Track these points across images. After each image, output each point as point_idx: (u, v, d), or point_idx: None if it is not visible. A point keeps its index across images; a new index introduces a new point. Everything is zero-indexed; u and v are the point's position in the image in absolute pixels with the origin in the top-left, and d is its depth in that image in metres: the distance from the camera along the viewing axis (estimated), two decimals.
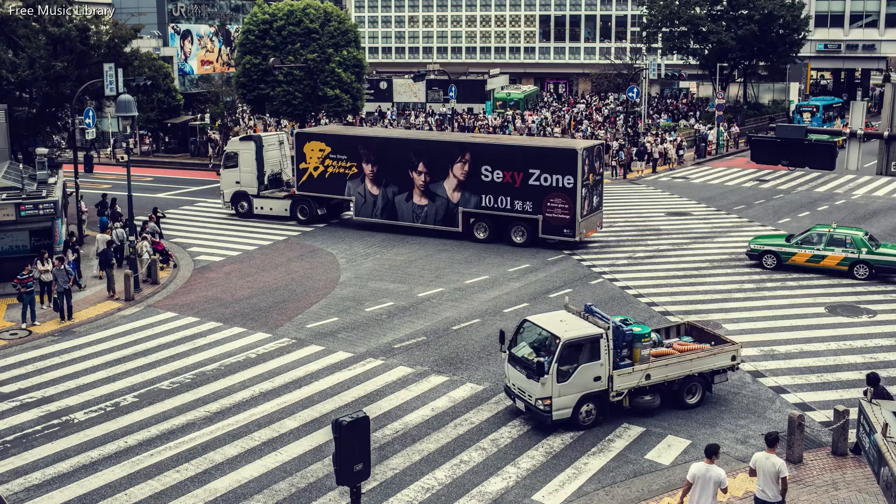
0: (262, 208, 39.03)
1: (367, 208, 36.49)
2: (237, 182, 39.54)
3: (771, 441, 13.82)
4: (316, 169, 37.32)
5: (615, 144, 54.46)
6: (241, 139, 41.01)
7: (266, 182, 39.71)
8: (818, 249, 29.68)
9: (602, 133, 59.22)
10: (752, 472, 13.87)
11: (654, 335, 19.07)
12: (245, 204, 39.46)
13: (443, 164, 34.71)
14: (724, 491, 13.55)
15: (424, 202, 35.19)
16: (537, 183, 32.99)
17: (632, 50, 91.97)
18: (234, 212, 39.69)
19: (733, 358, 19.35)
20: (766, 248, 30.70)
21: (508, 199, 33.62)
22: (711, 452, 13.53)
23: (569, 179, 32.42)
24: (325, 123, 60.67)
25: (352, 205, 37.13)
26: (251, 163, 39.28)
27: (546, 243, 33.51)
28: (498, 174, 33.64)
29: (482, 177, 33.92)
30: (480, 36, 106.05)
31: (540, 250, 33.01)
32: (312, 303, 26.96)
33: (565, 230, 32.87)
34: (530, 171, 33.10)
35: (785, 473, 13.58)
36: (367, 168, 36.12)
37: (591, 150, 33.47)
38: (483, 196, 34.05)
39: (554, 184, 32.72)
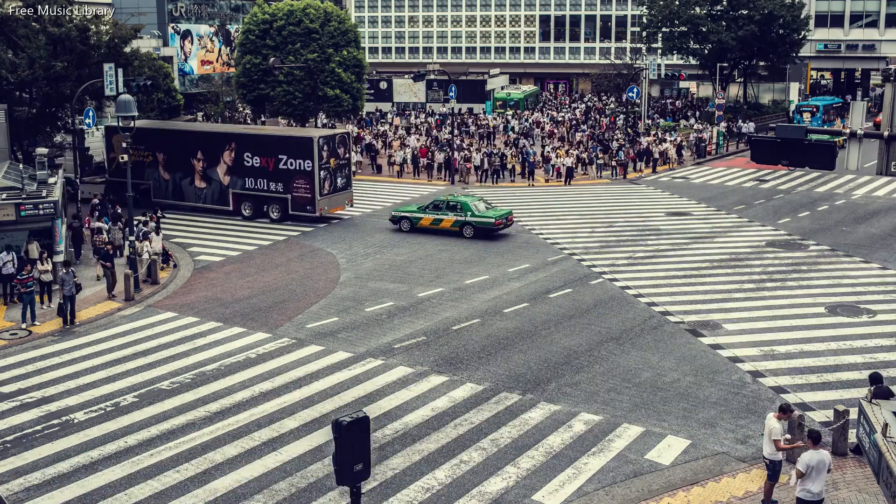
0: (83, 192, 41.48)
1: (161, 191, 41.07)
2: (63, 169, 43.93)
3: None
4: (122, 158, 40.14)
5: (615, 144, 54.51)
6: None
7: (89, 169, 43.92)
8: (438, 214, 35.24)
9: (620, 136, 59.13)
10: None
11: None
12: (70, 189, 42.20)
13: (215, 152, 39.63)
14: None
15: (203, 185, 40.15)
16: (286, 167, 37.88)
17: (632, 50, 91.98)
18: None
19: None
20: (402, 214, 36.26)
21: (265, 181, 38.55)
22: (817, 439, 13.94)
23: (308, 163, 37.33)
24: (331, 124, 60.68)
25: (151, 188, 41.30)
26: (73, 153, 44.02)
27: (295, 218, 38.26)
28: (256, 160, 38.58)
29: (245, 162, 38.83)
30: (480, 36, 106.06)
31: (540, 250, 33.03)
32: (312, 303, 26.96)
33: (308, 207, 37.74)
34: (279, 156, 38.02)
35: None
36: (160, 157, 41.01)
37: (332, 138, 38.57)
38: (247, 179, 38.98)
39: (297, 167, 37.62)
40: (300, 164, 37.51)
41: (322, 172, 37.45)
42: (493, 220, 34.41)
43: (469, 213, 34.70)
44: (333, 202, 38.47)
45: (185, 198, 40.50)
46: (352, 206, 40.04)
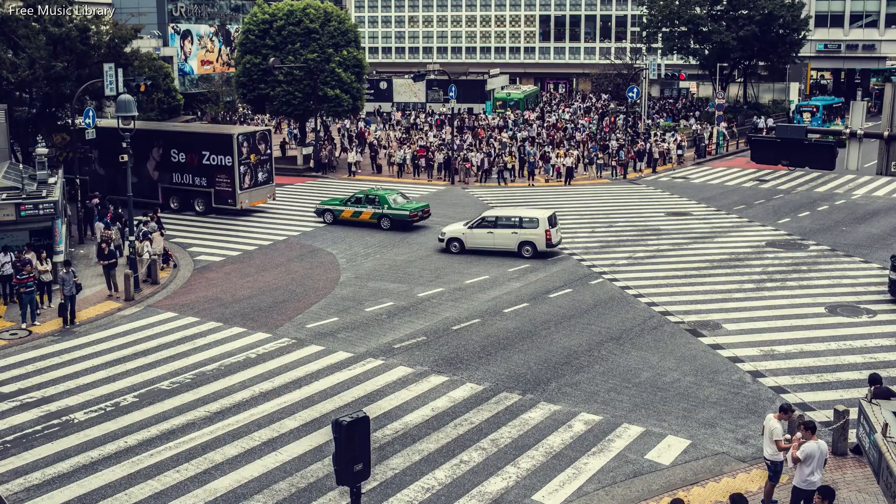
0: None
1: (97, 185, 41.23)
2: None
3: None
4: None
5: (614, 144, 54.48)
6: None
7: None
8: (358, 207, 37.26)
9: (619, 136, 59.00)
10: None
11: None
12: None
13: (146, 148, 40.99)
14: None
15: (135, 179, 39.55)
16: (209, 162, 39.85)
17: (632, 50, 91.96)
18: None
19: None
20: (326, 207, 38.33)
21: (191, 175, 40.51)
22: (810, 428, 14.09)
23: (228, 159, 39.33)
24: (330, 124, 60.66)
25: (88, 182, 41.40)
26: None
27: (218, 211, 40.22)
28: (182, 156, 40.51)
29: (172, 158, 40.75)
30: (480, 36, 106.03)
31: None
32: (312, 303, 26.96)
33: (229, 200, 39.76)
34: (203, 152, 40.01)
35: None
36: (95, 153, 42.01)
37: (252, 135, 40.78)
38: (174, 174, 40.90)
39: (219, 163, 39.58)
40: (221, 159, 39.44)
41: (242, 168, 39.45)
42: (408, 213, 36.30)
43: (386, 206, 36.63)
44: (254, 196, 40.66)
45: (118, 191, 40.55)
46: (274, 199, 41.97)
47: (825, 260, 31.45)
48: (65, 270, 25.57)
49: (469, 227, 32.70)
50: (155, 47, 64.73)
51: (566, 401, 19.46)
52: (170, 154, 40.56)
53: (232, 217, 40.05)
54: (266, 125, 65.03)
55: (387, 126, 68.92)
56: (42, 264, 26.71)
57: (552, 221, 32.05)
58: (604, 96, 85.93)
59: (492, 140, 57.93)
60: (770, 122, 64.71)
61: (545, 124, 68.55)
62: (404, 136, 62.35)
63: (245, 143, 39.67)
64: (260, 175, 40.77)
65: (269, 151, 41.42)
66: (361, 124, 66.92)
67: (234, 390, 20.25)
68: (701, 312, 25.46)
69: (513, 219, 32.49)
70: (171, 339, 23.91)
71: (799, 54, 73.97)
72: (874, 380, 16.78)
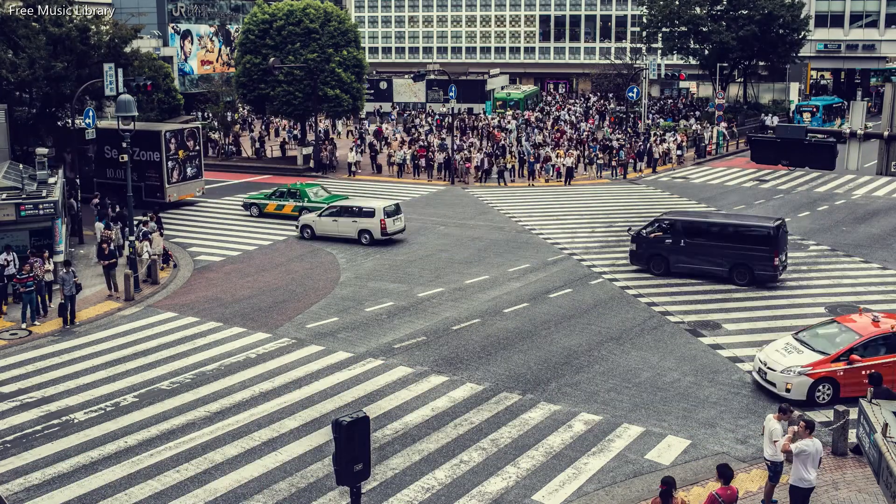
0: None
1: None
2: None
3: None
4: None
5: (614, 144, 54.46)
6: None
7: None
8: (281, 201, 39.11)
9: (619, 135, 58.94)
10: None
11: None
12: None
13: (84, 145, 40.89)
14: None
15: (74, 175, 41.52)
16: (138, 158, 40.94)
17: (632, 50, 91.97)
18: None
19: None
20: (252, 201, 40.34)
21: (122, 171, 39.30)
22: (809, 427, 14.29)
23: (156, 155, 41.17)
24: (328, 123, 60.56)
25: None
26: None
27: (147, 205, 39.98)
28: (115, 152, 40.71)
29: (105, 154, 42.10)
30: (480, 36, 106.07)
31: (540, 250, 33.01)
32: (312, 303, 26.96)
33: (158, 194, 41.40)
34: (133, 148, 39.17)
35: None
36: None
37: (180, 132, 42.64)
38: (108, 169, 42.37)
39: (148, 159, 41.33)
40: (150, 155, 41.17)
41: (170, 163, 41.29)
42: (326, 206, 37.01)
43: (306, 199, 38.51)
44: (183, 190, 42.56)
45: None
46: (202, 194, 43.98)
47: (825, 260, 31.45)
48: (65, 270, 25.56)
49: (319, 216, 35.22)
50: (155, 47, 64.73)
51: (566, 401, 19.46)
52: (103, 150, 41.55)
53: (232, 217, 40.06)
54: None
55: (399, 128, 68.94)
56: (46, 264, 26.72)
57: (390, 212, 34.16)
58: (610, 96, 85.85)
59: (499, 141, 57.87)
60: (776, 120, 64.80)
61: (546, 125, 68.55)
62: (413, 135, 62.12)
63: (173, 140, 41.43)
64: (189, 170, 42.68)
65: (197, 147, 43.26)
66: (377, 124, 66.86)
67: (234, 390, 20.26)
68: (701, 312, 25.46)
69: (353, 209, 34.80)
70: (171, 339, 23.91)
71: (799, 54, 73.96)
72: (876, 379, 16.76)
